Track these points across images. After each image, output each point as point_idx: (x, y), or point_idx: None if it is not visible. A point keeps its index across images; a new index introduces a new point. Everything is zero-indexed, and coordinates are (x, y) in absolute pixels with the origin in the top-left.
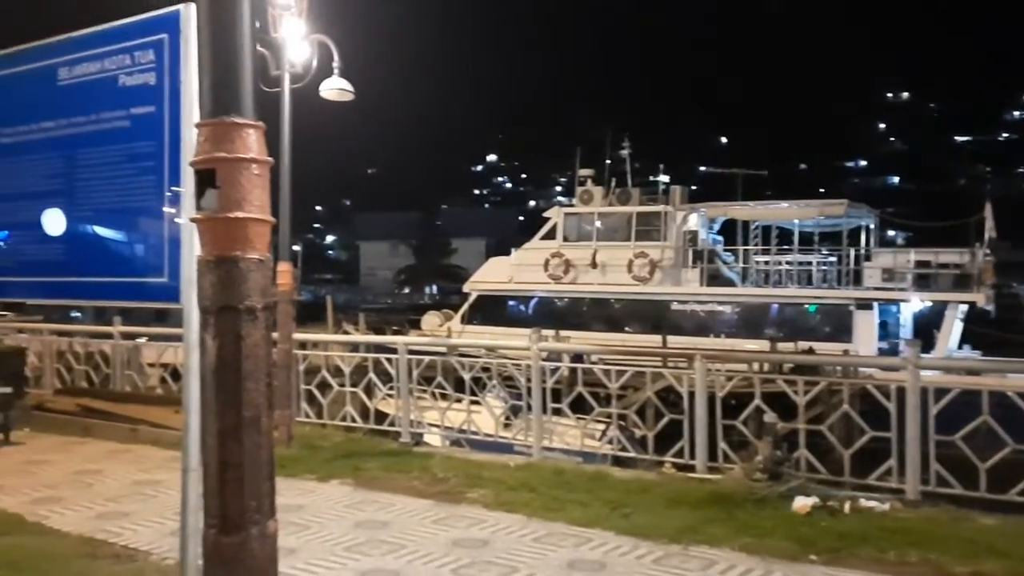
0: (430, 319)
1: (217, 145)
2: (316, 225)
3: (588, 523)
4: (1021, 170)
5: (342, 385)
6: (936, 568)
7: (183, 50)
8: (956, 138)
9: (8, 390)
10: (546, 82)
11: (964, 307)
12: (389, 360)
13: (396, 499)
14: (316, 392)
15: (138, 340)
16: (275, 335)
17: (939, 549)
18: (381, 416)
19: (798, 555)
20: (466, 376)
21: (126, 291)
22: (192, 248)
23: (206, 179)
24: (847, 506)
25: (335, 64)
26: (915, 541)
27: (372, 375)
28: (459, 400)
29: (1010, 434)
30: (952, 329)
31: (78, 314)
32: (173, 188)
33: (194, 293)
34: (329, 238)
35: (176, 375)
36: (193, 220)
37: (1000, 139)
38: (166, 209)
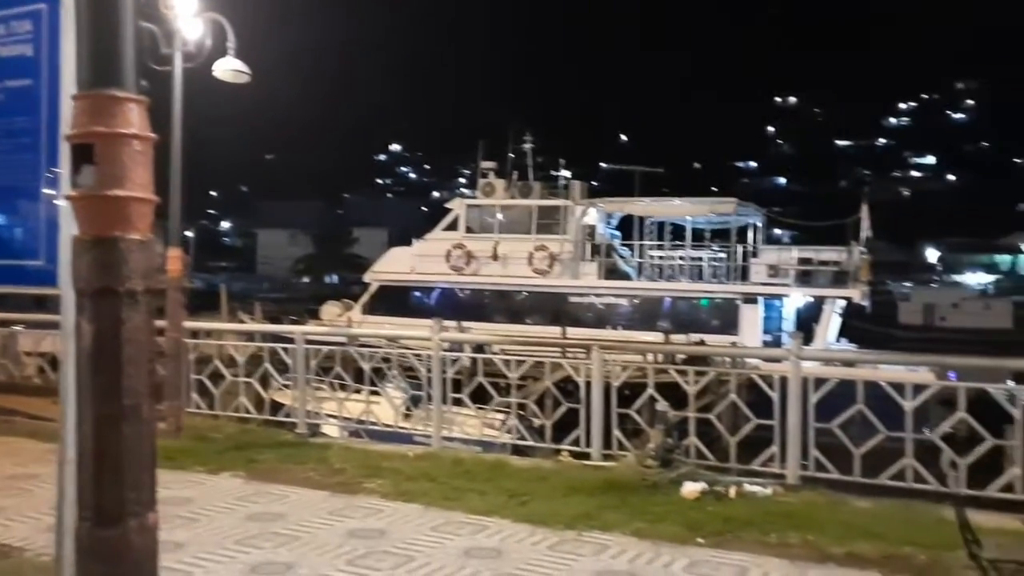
0: (329, 309)
1: (95, 119)
2: (211, 211)
3: (486, 511)
4: (896, 174)
5: (235, 375)
6: (815, 549)
7: (63, 21)
8: (838, 142)
9: None
10: (452, 73)
11: (842, 302)
12: (286, 350)
13: (291, 490)
14: (208, 383)
15: (14, 327)
16: (163, 323)
17: (818, 531)
18: (277, 407)
19: (686, 539)
20: (366, 366)
21: (2, 274)
22: (70, 229)
23: (83, 154)
24: (733, 491)
25: (229, 44)
26: (796, 524)
27: (268, 365)
28: (358, 391)
29: (882, 422)
30: (830, 323)
31: None
32: (52, 169)
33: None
34: (224, 225)
35: (55, 364)
36: (68, 198)
37: (878, 144)
38: (43, 189)
